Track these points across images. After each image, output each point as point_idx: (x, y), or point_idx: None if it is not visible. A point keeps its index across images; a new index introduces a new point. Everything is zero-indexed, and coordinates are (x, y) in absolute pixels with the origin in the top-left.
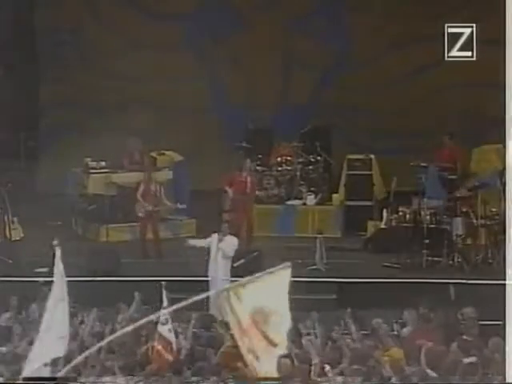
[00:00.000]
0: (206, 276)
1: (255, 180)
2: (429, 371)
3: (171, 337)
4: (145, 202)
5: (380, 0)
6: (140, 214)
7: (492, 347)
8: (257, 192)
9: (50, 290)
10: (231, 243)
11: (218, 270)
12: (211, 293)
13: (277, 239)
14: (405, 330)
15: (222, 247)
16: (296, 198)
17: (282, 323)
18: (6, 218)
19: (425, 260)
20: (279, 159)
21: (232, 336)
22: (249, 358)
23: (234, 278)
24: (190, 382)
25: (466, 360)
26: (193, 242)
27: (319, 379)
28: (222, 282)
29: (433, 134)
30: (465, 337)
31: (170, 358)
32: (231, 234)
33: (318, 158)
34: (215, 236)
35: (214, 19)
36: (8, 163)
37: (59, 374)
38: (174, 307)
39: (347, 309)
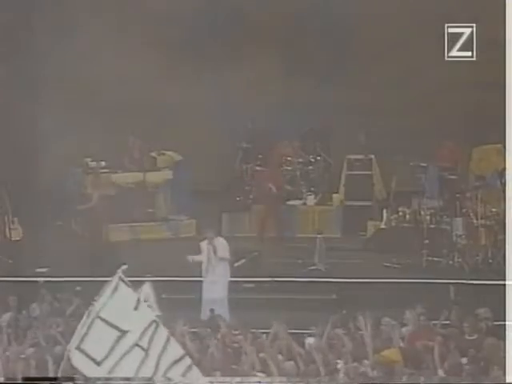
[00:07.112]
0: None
1: (280, 175)
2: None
3: None
4: None
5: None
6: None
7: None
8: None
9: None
10: (223, 245)
11: (217, 273)
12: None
13: (277, 239)
14: (404, 330)
15: (217, 252)
16: (296, 198)
17: None
18: (6, 218)
19: (425, 260)
20: (279, 159)
21: None
22: None
23: (234, 279)
24: None
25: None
26: (193, 257)
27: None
28: (223, 284)
29: (433, 134)
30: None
31: None
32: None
33: (318, 158)
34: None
35: (215, 19)
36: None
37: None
38: None
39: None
